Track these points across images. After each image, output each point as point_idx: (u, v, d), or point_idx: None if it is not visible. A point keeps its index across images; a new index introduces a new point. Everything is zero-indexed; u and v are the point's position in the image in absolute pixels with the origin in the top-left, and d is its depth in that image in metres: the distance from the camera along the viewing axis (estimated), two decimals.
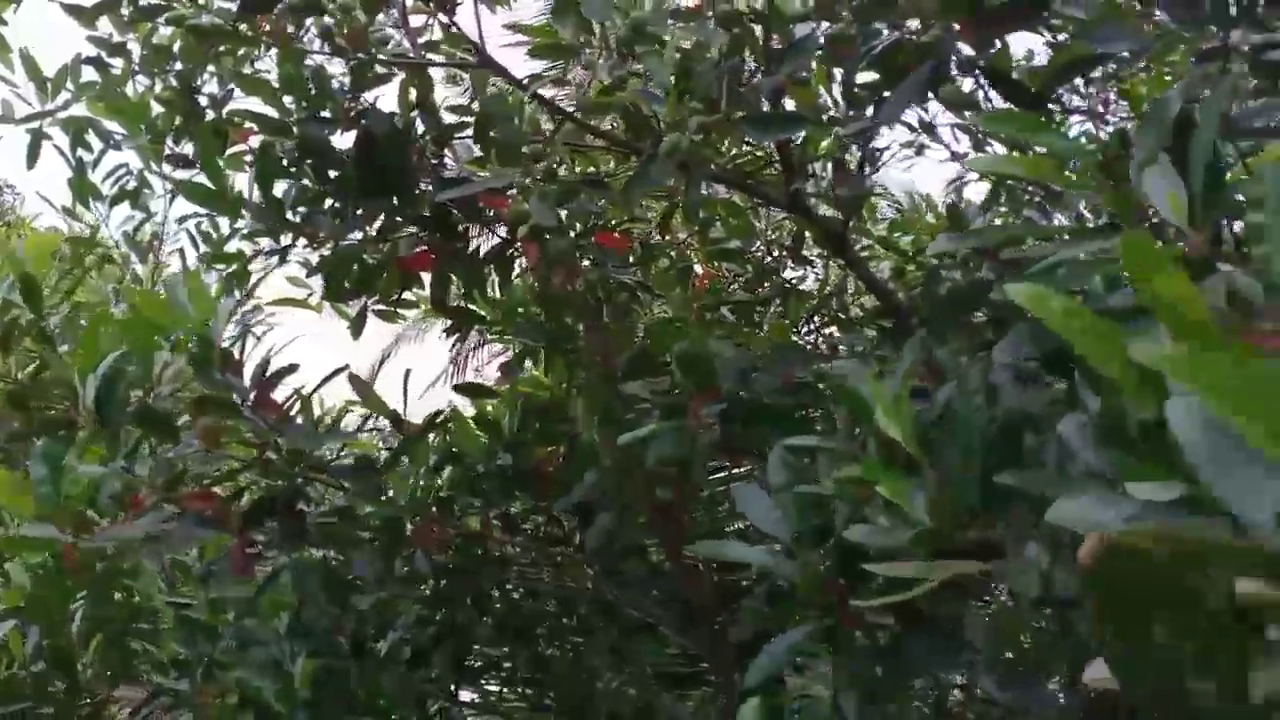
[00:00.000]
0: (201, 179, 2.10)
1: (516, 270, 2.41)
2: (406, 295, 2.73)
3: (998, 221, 2.09)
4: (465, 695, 2.88)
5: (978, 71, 1.81)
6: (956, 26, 1.78)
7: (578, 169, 2.69)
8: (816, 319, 2.59)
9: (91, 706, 2.23)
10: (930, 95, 1.78)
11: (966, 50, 1.80)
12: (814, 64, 2.29)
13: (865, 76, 2.02)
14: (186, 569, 2.67)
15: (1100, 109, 2.53)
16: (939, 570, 1.29)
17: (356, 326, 2.77)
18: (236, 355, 1.95)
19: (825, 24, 1.98)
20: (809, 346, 2.48)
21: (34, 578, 2.07)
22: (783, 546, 1.54)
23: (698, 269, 2.91)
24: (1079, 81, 2.49)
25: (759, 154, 2.53)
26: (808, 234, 2.67)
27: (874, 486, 1.34)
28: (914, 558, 1.33)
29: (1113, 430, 0.94)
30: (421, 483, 2.46)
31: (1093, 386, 1.06)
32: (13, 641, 2.29)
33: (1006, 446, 1.22)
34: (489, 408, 2.42)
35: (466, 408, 2.62)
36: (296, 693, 2.14)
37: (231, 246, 2.51)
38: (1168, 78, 2.40)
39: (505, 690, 2.94)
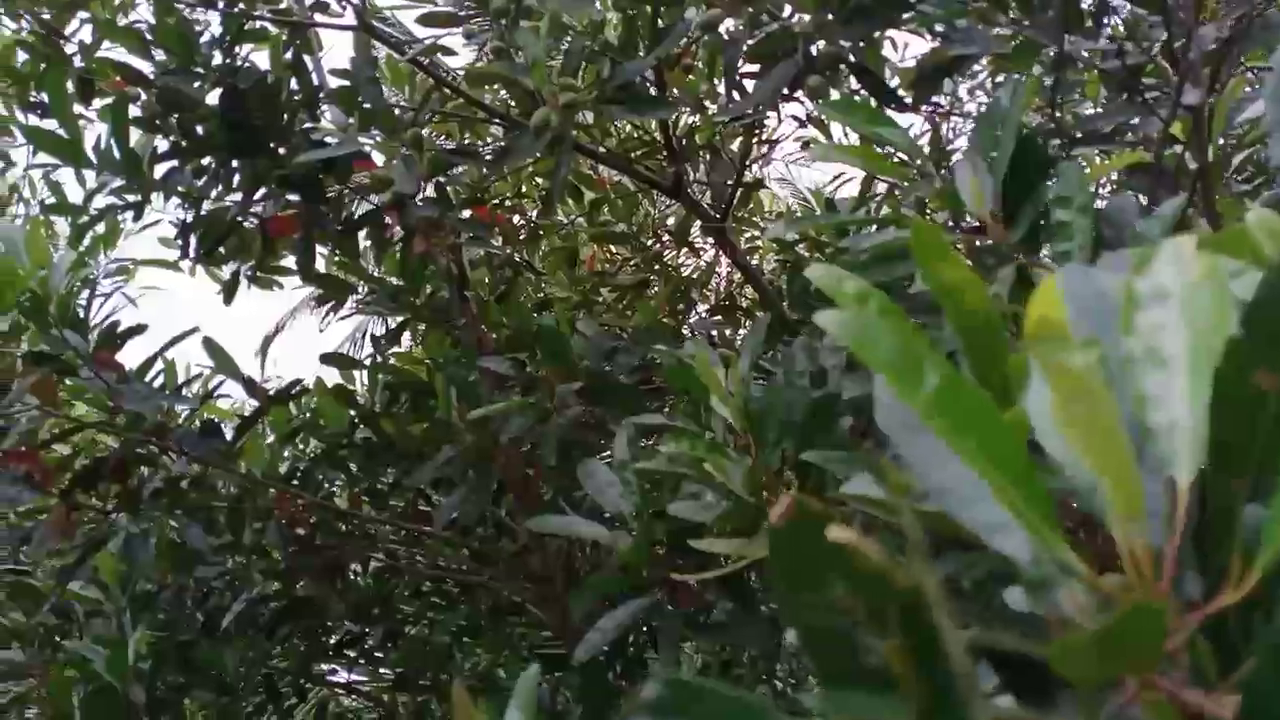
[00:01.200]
0: (55, 128, 2.01)
1: (392, 239, 2.36)
2: (286, 263, 2.67)
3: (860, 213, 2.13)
4: (322, 670, 2.83)
5: (844, 66, 1.84)
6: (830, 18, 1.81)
7: (466, 140, 2.66)
8: (703, 308, 2.61)
9: None
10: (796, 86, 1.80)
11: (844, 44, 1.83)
12: (701, 52, 2.31)
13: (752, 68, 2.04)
14: (27, 538, 2.56)
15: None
16: (753, 548, 1.31)
17: (228, 292, 2.69)
18: (83, 314, 1.87)
19: (714, 10, 1.99)
20: (689, 332, 2.49)
21: None
22: (620, 521, 1.55)
23: (586, 252, 2.91)
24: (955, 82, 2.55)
25: (647, 139, 2.53)
26: (697, 221, 2.69)
27: (703, 463, 1.35)
28: (743, 536, 1.35)
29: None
30: (284, 453, 2.41)
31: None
32: None
33: (821, 427, 1.24)
34: (354, 380, 2.37)
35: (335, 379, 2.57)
36: (130, 665, 2.07)
37: (99, 203, 2.41)
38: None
39: (364, 666, 2.89)
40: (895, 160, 1.27)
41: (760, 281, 2.36)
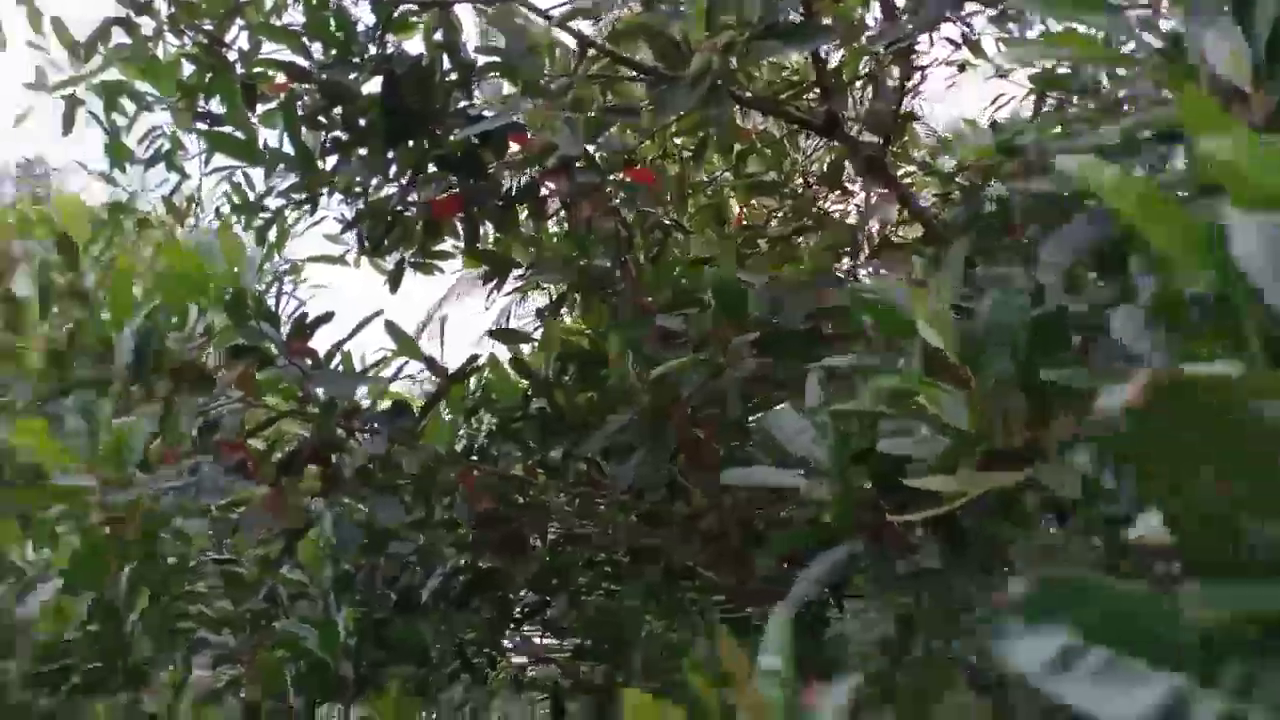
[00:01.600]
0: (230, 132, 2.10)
1: (550, 211, 2.37)
2: (445, 247, 2.72)
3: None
4: (509, 643, 2.90)
5: None
6: None
7: (610, 102, 2.64)
8: (858, 250, 2.51)
9: (138, 664, 2.28)
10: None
11: None
12: None
13: None
14: (236, 529, 2.72)
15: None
16: (979, 481, 1.25)
17: (394, 281, 2.76)
18: (270, 306, 1.95)
19: None
20: (850, 276, 2.41)
21: (83, 539, 2.11)
22: (815, 469, 1.50)
23: (734, 207, 2.85)
24: None
25: (795, 79, 2.45)
26: (847, 162, 2.59)
27: (914, 397, 1.29)
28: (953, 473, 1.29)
29: (1169, 311, 0.88)
30: (460, 430, 2.46)
31: (1149, 267, 0.99)
32: (64, 603, 2.34)
33: (1050, 346, 1.16)
34: (525, 353, 2.40)
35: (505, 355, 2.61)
36: (340, 640, 2.16)
37: (273, 204, 2.52)
38: None
39: (547, 637, 2.95)
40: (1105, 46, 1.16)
41: (925, 214, 2.25)
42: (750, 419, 2.56)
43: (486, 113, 2.07)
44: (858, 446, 1.48)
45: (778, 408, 1.61)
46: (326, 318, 2.00)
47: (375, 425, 1.95)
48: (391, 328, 2.13)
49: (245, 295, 1.82)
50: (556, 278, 2.24)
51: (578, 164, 1.92)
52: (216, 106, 2.42)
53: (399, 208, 2.44)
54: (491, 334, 2.38)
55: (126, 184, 2.70)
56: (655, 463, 1.96)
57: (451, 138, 2.01)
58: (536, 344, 2.53)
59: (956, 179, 2.55)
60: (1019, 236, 1.62)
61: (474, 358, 2.25)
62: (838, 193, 2.78)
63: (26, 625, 2.12)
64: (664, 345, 2.07)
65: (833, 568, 1.50)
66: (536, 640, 2.93)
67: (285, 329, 1.94)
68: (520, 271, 2.54)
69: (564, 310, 2.81)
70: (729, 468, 2.27)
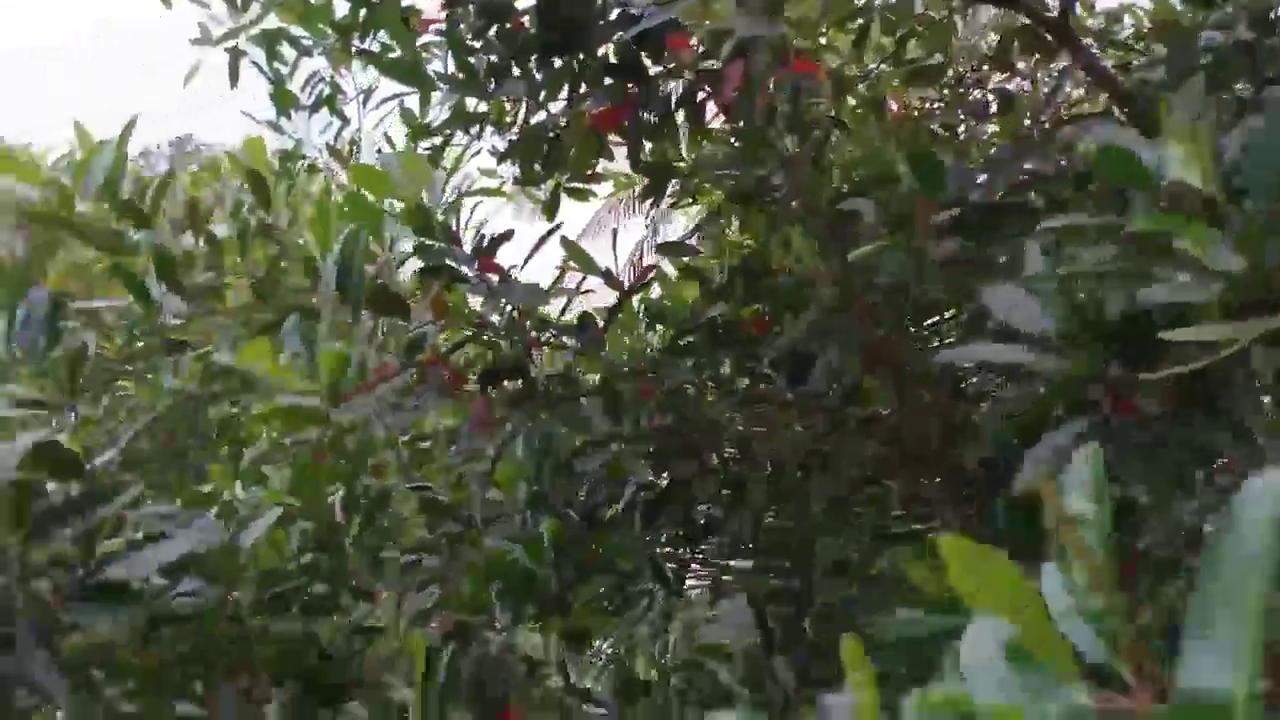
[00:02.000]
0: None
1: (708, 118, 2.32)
2: (599, 171, 2.71)
3: None
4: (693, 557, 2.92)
5: None
6: None
7: None
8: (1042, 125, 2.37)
9: (356, 587, 2.38)
10: None
11: None
12: None
13: None
14: (426, 456, 2.81)
15: None
16: (1248, 329, 1.16)
17: (550, 209, 2.77)
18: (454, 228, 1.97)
19: None
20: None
21: (297, 470, 2.20)
22: (1041, 340, 1.43)
23: (892, 103, 2.74)
24: None
25: None
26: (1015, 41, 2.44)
27: (1163, 243, 1.20)
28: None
29: None
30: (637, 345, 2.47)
31: None
32: (278, 535, 2.48)
33: None
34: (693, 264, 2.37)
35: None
36: (545, 551, 2.22)
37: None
38: None
39: (727, 554, 2.96)
40: None
41: (1116, 82, 2.10)
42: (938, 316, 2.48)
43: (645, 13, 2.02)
44: (1089, 313, 1.40)
45: (991, 282, 1.53)
46: (507, 235, 2.02)
47: (567, 336, 1.96)
48: (567, 243, 2.13)
49: (433, 216, 1.85)
50: (730, 174, 2.19)
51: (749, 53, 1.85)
52: (372, 44, 2.46)
53: (553, 133, 2.43)
54: (659, 248, 2.36)
55: (292, 131, 2.78)
56: (844, 359, 1.91)
57: (613, 40, 1.97)
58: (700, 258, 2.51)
59: (1138, 45, 2.38)
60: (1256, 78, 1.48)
61: (651, 268, 2.24)
62: (1005, 74, 2.63)
63: (248, 557, 2.24)
64: (841, 238, 2.01)
65: (1073, 439, 1.43)
66: (720, 557, 2.95)
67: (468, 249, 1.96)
68: (677, 182, 2.51)
69: (723, 223, 2.77)
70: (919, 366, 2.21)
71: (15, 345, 1.47)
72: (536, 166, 2.54)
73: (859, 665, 0.93)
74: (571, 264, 2.10)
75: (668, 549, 2.94)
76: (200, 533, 1.48)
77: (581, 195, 2.83)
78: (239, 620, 2.14)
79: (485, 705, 2.21)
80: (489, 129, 2.64)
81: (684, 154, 2.41)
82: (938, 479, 2.30)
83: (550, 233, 2.04)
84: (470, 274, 1.87)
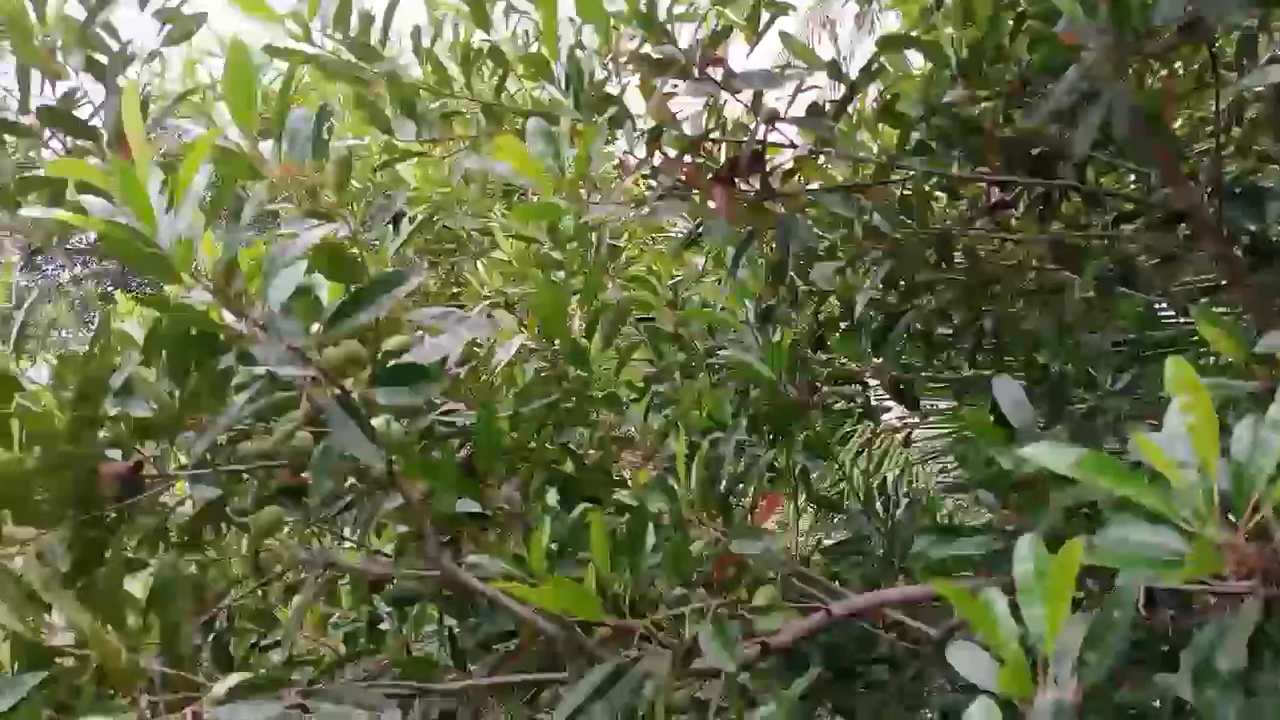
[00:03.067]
0: None
1: None
2: None
3: None
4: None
5: None
6: None
7: None
8: None
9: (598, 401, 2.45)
10: None
11: None
12: None
13: None
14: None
15: None
16: None
17: (752, 22, 2.66)
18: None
19: None
20: None
21: (543, 288, 2.26)
22: None
23: None
24: None
25: None
26: None
27: None
28: None
29: None
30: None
31: None
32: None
33: None
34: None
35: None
36: (784, 361, 2.21)
37: None
38: None
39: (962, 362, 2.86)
40: None
41: None
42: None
43: None
44: None
45: None
46: (726, 33, 1.95)
47: (800, 125, 1.89)
48: (786, 37, 2.04)
49: (655, 13, 1.81)
50: None
51: None
52: None
53: None
54: (881, 42, 2.21)
55: None
56: (1120, 117, 1.72)
57: None
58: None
59: None
60: None
61: (875, 56, 2.10)
62: None
63: (499, 377, 2.34)
64: None
65: None
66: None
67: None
68: None
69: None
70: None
71: (289, 158, 1.57)
72: None
73: (1190, 388, 0.86)
74: (793, 58, 2.01)
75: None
76: (474, 328, 1.55)
77: (782, 8, 2.70)
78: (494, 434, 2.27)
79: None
80: None
81: None
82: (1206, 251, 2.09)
83: (770, 22, 1.95)
84: (693, 70, 1.82)
